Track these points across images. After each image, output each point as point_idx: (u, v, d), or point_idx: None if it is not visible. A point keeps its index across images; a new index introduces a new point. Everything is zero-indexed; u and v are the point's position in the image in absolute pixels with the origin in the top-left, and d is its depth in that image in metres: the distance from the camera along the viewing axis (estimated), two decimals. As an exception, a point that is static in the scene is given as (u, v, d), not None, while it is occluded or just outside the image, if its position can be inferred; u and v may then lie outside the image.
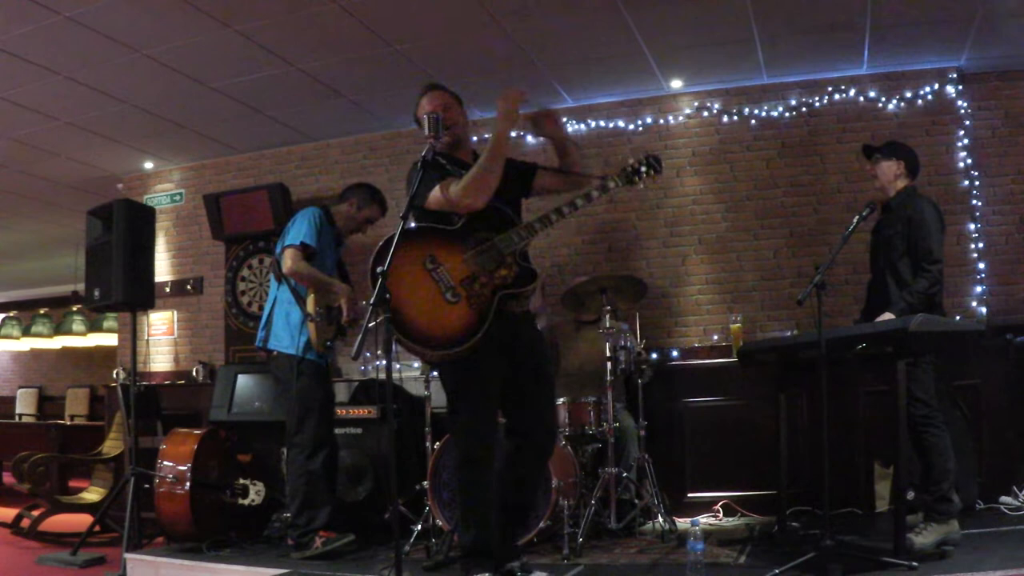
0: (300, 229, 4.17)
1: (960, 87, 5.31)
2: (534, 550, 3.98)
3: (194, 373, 6.60)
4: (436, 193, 3.06)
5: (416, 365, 5.53)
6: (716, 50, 5.15)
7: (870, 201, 3.70)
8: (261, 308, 6.47)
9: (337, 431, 4.43)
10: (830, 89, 5.49)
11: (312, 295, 4.16)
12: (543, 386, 3.22)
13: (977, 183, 5.26)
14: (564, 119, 5.91)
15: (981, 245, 5.21)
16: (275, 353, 4.19)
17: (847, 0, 4.52)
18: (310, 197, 6.42)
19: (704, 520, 4.74)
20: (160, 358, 7.03)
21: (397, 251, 2.79)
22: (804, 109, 5.54)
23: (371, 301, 2.65)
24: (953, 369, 4.18)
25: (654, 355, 5.34)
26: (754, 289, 5.53)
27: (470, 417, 3.09)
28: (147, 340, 7.02)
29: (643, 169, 3.30)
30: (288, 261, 4.12)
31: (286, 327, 4.16)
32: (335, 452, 4.27)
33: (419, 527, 4.23)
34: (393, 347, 2.75)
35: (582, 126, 5.94)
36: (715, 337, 5.52)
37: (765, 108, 5.60)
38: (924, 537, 3.38)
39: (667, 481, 4.76)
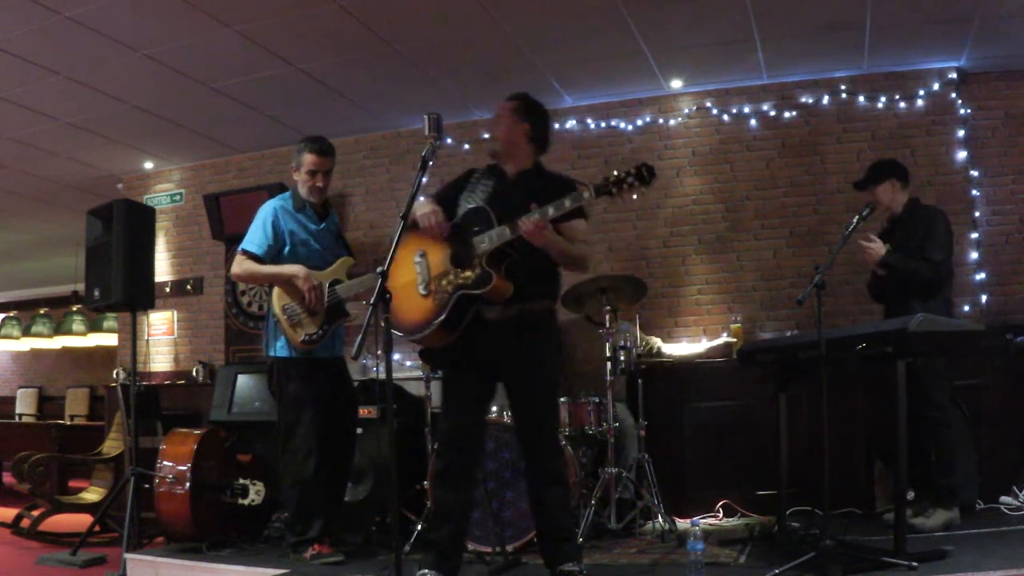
0: (247, 234, 4.04)
1: (960, 87, 5.31)
2: (534, 550, 3.97)
3: (194, 373, 6.60)
4: None
5: (413, 364, 5.53)
6: (716, 50, 5.15)
7: (870, 201, 3.71)
8: (261, 308, 6.53)
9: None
10: (830, 89, 5.49)
11: (276, 291, 3.98)
12: (530, 399, 3.21)
13: (977, 183, 5.26)
14: (564, 120, 5.93)
15: (981, 245, 5.22)
16: (266, 357, 4.13)
17: (847, 0, 4.52)
18: (310, 197, 6.42)
19: (704, 520, 4.74)
20: (160, 358, 7.03)
21: (403, 240, 2.91)
22: (804, 109, 5.54)
23: (371, 301, 2.66)
24: (953, 369, 4.20)
25: (658, 347, 5.37)
26: (754, 289, 5.53)
27: (443, 420, 3.26)
28: (147, 340, 7.03)
29: (627, 180, 2.87)
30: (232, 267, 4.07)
31: (272, 331, 4.06)
32: (331, 458, 4.05)
33: (419, 527, 4.23)
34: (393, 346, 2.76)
35: (582, 126, 5.94)
36: (715, 337, 5.53)
37: (765, 108, 5.60)
38: (933, 520, 3.76)
39: (667, 481, 4.74)
